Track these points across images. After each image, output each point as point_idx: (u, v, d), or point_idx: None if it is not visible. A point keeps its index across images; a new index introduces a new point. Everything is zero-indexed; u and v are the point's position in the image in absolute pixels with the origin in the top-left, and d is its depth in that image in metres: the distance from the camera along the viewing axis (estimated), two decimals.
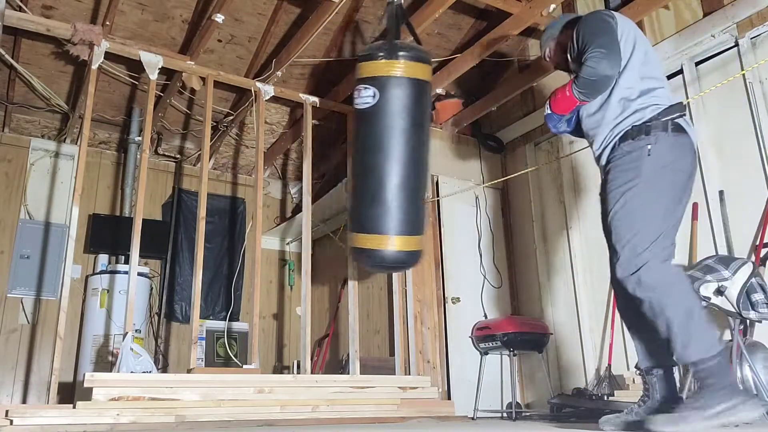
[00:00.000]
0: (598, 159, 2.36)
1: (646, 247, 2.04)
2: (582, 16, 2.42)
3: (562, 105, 2.35)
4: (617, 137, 2.23)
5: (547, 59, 2.61)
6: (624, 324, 2.40)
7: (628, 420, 2.19)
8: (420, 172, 3.21)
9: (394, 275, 4.05)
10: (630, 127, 2.19)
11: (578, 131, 2.51)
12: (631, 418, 2.18)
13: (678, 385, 2.41)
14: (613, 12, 2.37)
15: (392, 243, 3.11)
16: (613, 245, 2.14)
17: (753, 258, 2.98)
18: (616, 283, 2.18)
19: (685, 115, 2.20)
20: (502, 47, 3.86)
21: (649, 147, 2.12)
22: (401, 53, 3.12)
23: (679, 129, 2.17)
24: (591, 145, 2.40)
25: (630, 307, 2.21)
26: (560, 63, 2.56)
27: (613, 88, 2.25)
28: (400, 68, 3.11)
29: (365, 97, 3.14)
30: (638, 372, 2.32)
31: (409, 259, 3.21)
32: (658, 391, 2.20)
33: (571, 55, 2.39)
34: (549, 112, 2.42)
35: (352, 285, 3.90)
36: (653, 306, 2.00)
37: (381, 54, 3.13)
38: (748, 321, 2.78)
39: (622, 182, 2.15)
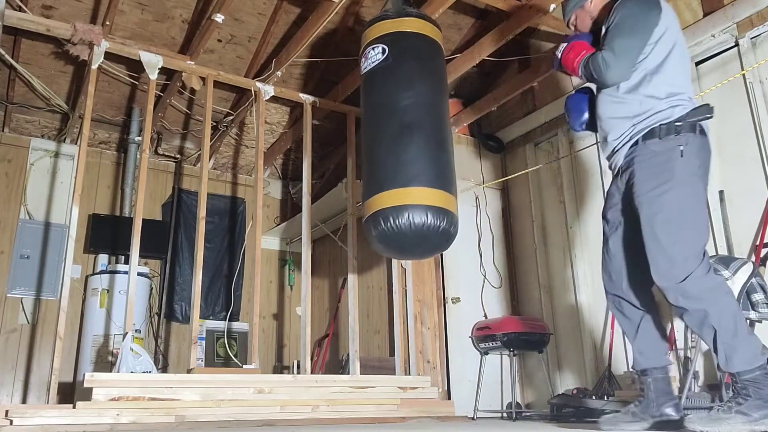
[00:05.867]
0: (613, 153, 2.25)
1: (690, 255, 1.99)
2: None
3: (570, 63, 2.31)
4: (641, 134, 2.14)
5: (571, 26, 2.50)
6: (623, 329, 2.40)
7: (625, 419, 2.23)
8: (444, 126, 2.69)
9: (394, 274, 4.05)
10: (657, 125, 2.11)
11: (590, 125, 2.44)
12: (628, 418, 2.22)
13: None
14: (661, 3, 2.19)
15: (419, 195, 2.38)
16: (651, 252, 2.06)
17: (753, 258, 2.98)
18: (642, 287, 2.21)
19: (712, 117, 2.12)
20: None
21: (681, 148, 2.05)
22: (410, 11, 2.88)
23: (703, 132, 2.13)
24: (603, 137, 2.30)
25: (630, 312, 2.28)
26: (583, 31, 2.43)
27: (641, 82, 2.16)
28: (410, 24, 2.81)
29: (374, 56, 2.79)
30: (635, 372, 2.34)
31: (441, 222, 2.43)
32: (653, 391, 2.21)
33: (604, 27, 2.27)
34: (559, 57, 2.37)
35: (352, 285, 3.90)
36: (697, 316, 1.97)
37: (389, 15, 2.90)
38: (748, 321, 2.78)
39: (655, 185, 2.07)
